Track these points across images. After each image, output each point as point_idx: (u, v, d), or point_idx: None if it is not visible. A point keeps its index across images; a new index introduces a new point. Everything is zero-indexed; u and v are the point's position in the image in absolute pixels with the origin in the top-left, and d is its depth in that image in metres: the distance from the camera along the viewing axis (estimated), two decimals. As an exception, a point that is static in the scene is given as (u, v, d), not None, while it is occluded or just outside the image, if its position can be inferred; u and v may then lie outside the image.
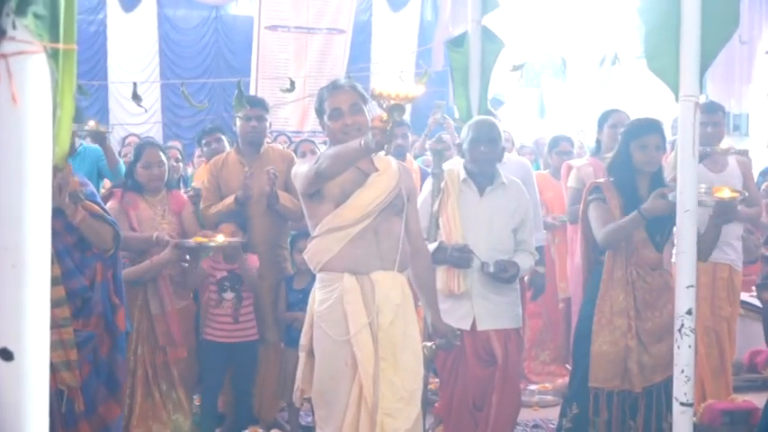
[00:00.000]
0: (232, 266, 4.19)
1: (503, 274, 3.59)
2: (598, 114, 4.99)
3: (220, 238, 3.97)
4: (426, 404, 3.48)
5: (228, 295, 4.15)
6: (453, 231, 3.64)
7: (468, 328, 3.63)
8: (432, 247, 3.54)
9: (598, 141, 4.87)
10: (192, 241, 3.96)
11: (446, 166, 3.83)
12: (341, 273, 2.96)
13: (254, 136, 4.41)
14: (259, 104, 4.52)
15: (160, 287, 4.07)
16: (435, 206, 3.66)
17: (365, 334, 2.91)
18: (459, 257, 3.55)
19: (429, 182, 3.78)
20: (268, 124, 4.53)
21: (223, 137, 5.84)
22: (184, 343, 4.19)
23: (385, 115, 2.47)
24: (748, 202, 4.66)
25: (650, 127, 3.59)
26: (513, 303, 3.75)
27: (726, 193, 3.40)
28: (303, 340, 3.10)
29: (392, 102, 2.44)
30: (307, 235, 3.86)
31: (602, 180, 3.78)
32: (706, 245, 3.45)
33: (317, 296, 3.04)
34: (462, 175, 3.74)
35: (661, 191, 3.43)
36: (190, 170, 7.33)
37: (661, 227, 3.56)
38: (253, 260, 4.22)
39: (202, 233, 4.11)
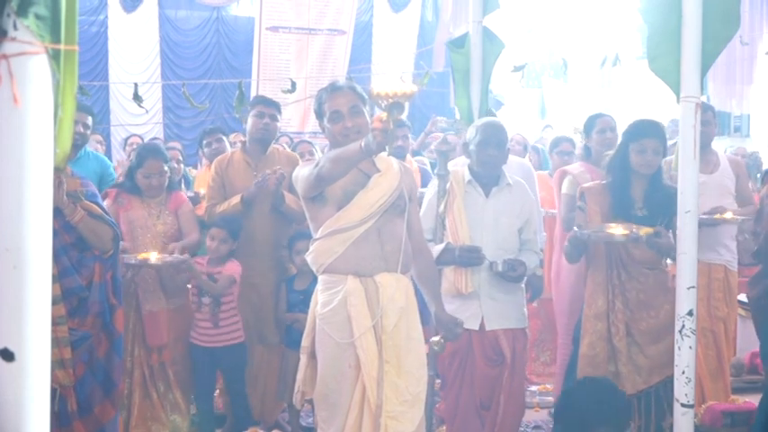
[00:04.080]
0: (212, 270, 4.15)
1: (511, 273, 3.61)
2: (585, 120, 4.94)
3: (153, 256, 3.91)
4: (431, 405, 3.49)
5: (206, 300, 4.11)
6: (460, 232, 3.65)
7: (476, 327, 3.65)
8: (438, 248, 3.54)
9: (587, 147, 4.82)
10: (131, 257, 3.89)
11: (451, 166, 3.83)
12: (344, 275, 2.95)
13: (264, 133, 4.38)
14: (273, 105, 4.50)
15: (151, 288, 4.06)
16: (441, 207, 3.67)
17: (369, 337, 2.91)
18: (469, 257, 3.56)
19: (434, 183, 3.78)
20: (279, 126, 4.52)
21: (224, 137, 5.84)
22: (178, 344, 4.18)
23: (385, 115, 2.47)
24: (741, 201, 4.67)
25: (649, 130, 3.60)
26: (519, 303, 3.78)
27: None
28: (305, 342, 3.10)
29: (391, 100, 2.44)
30: (305, 236, 3.87)
31: (588, 184, 3.81)
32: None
33: (319, 298, 3.03)
34: (468, 176, 3.75)
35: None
36: (194, 173, 7.32)
37: (652, 225, 3.55)
38: (233, 266, 4.15)
39: (171, 247, 4.07)
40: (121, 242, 3.93)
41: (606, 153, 3.89)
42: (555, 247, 4.98)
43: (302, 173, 3.04)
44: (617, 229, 3.44)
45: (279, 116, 4.48)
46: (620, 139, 3.86)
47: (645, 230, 3.41)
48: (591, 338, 3.57)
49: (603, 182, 3.74)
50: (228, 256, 4.19)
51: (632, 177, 3.61)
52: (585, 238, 3.49)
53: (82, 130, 4.41)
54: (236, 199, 4.27)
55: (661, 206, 3.49)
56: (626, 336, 3.54)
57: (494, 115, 4.49)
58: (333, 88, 3.06)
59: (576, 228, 3.68)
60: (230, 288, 4.16)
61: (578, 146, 6.30)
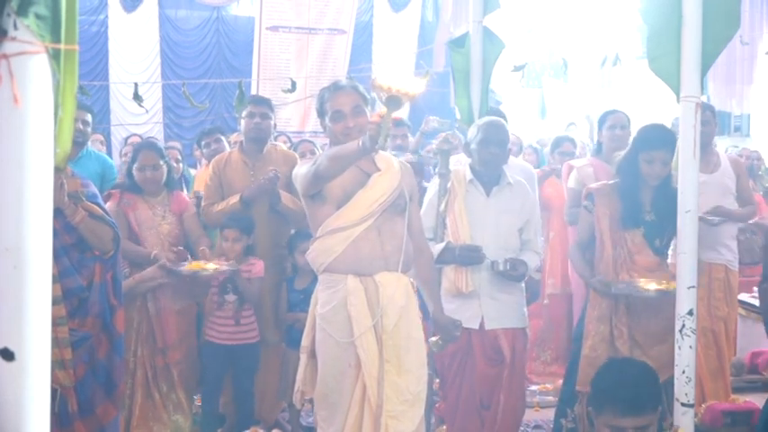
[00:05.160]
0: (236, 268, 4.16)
1: (512, 272, 3.61)
2: (598, 115, 5.01)
3: (211, 266, 3.95)
4: (430, 405, 3.49)
5: (230, 297, 4.14)
6: (461, 231, 3.65)
7: (476, 327, 3.65)
8: (439, 247, 3.55)
9: (599, 143, 4.89)
10: (186, 269, 3.93)
11: (452, 165, 3.83)
12: (344, 274, 2.95)
13: (257, 133, 4.39)
14: (264, 103, 4.54)
15: (158, 288, 4.06)
16: (442, 206, 3.67)
17: (369, 336, 2.91)
18: (469, 256, 3.56)
19: (435, 182, 3.78)
20: (273, 124, 4.53)
21: (222, 137, 5.83)
22: (183, 344, 4.18)
23: (384, 111, 2.48)
24: (741, 201, 4.68)
25: (659, 141, 3.54)
26: (519, 303, 3.79)
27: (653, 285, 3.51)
28: (305, 342, 3.10)
29: (390, 94, 2.45)
30: (305, 235, 3.86)
31: (596, 186, 3.80)
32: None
33: (319, 298, 3.03)
34: (469, 175, 3.75)
35: (603, 281, 3.53)
36: (193, 172, 7.32)
37: (660, 231, 3.56)
38: (258, 266, 4.18)
39: (202, 251, 4.08)
40: (155, 252, 4.00)
41: (616, 154, 3.88)
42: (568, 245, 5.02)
43: (301, 171, 3.05)
44: (649, 284, 3.46)
45: (271, 113, 4.48)
46: (631, 139, 3.85)
47: (674, 285, 3.43)
48: (593, 341, 3.57)
49: (611, 182, 3.72)
50: (246, 252, 4.20)
51: (641, 182, 3.60)
52: (617, 292, 3.49)
53: (81, 127, 4.43)
54: (234, 198, 4.28)
55: (669, 211, 3.47)
56: (629, 339, 3.53)
57: (501, 114, 4.50)
58: (335, 87, 3.07)
59: (577, 244, 3.74)
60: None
61: (579, 145, 6.33)
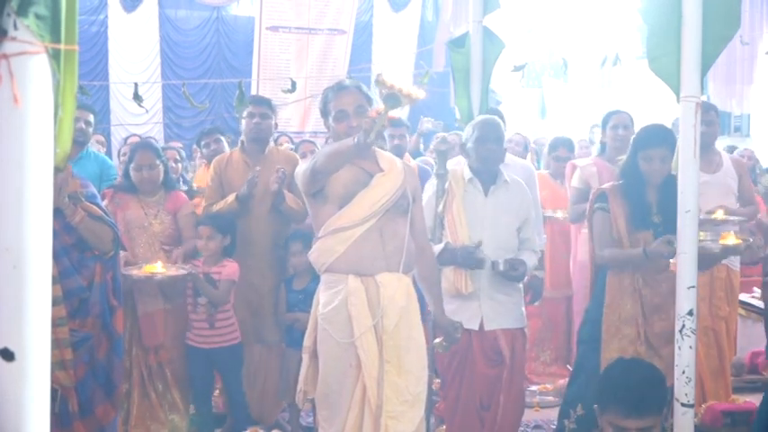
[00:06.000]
0: (209, 270, 4.12)
1: (512, 273, 3.61)
2: (601, 115, 5.02)
3: (159, 267, 3.83)
4: (430, 405, 3.48)
5: (202, 300, 4.09)
6: (459, 231, 3.65)
7: (476, 328, 3.65)
8: (438, 248, 3.54)
9: (603, 143, 4.90)
10: (136, 273, 3.82)
11: (449, 165, 3.83)
12: (345, 274, 2.95)
13: (257, 133, 4.40)
14: (263, 103, 4.54)
15: (144, 289, 4.02)
16: (440, 207, 3.67)
17: (369, 336, 2.91)
18: (470, 260, 3.55)
19: (433, 182, 3.78)
20: (274, 124, 4.53)
21: (222, 138, 5.83)
22: (174, 344, 4.16)
23: (382, 108, 2.52)
24: (743, 202, 4.68)
25: (657, 139, 3.55)
26: (518, 303, 3.79)
27: (731, 240, 3.52)
28: (307, 342, 3.10)
29: (391, 91, 2.49)
30: (302, 237, 3.86)
31: (607, 186, 3.78)
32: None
33: (321, 298, 3.04)
34: (468, 174, 3.75)
35: (668, 238, 3.40)
36: (191, 175, 7.30)
37: (668, 232, 3.55)
38: (230, 268, 4.13)
39: (176, 255, 4.02)
40: (123, 251, 3.91)
41: (620, 158, 3.88)
42: (576, 246, 5.01)
43: (301, 169, 3.08)
44: (725, 240, 3.56)
45: (271, 113, 4.48)
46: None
47: (739, 240, 3.52)
48: (621, 344, 3.51)
49: (617, 183, 3.72)
50: (223, 253, 4.16)
51: (645, 184, 3.59)
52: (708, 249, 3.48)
53: (84, 126, 4.43)
54: (231, 197, 4.28)
55: (675, 212, 3.47)
56: (644, 340, 3.53)
57: (499, 114, 4.50)
58: (339, 87, 3.08)
59: (603, 249, 3.63)
60: (231, 292, 4.16)
61: (582, 145, 6.32)
